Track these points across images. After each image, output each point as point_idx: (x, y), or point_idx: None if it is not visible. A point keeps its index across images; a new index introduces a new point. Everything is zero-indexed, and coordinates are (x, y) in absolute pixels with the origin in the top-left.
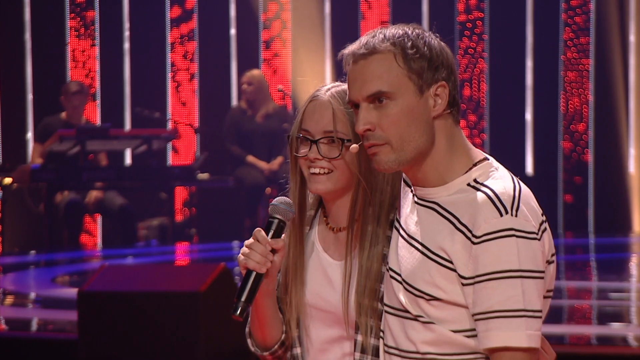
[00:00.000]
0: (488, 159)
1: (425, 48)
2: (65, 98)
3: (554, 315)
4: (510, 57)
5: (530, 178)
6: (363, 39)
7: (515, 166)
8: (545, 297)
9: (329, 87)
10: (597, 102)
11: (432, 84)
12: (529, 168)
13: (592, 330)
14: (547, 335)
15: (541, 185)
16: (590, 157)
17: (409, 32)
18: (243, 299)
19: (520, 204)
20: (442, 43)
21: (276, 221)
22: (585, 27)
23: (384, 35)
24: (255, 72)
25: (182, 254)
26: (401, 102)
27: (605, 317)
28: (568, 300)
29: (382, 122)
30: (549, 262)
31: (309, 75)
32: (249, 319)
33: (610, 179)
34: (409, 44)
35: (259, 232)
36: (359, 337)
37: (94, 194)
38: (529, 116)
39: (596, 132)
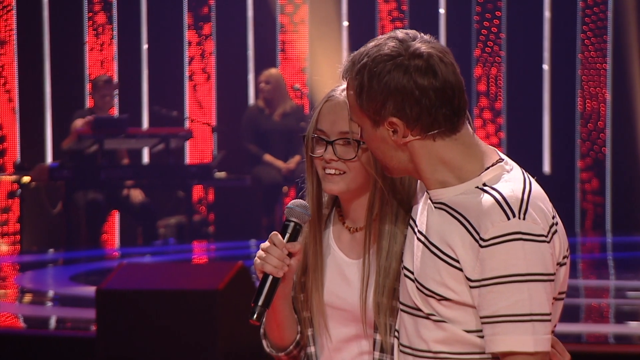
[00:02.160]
0: (502, 160)
1: (372, 82)
2: (94, 91)
3: (571, 314)
4: (527, 56)
5: (547, 177)
6: (348, 60)
7: (532, 165)
8: (557, 299)
9: (344, 87)
10: (615, 101)
11: (382, 120)
12: (546, 167)
13: (610, 329)
14: (565, 334)
15: (558, 184)
16: (607, 156)
17: (365, 59)
18: (260, 303)
19: (529, 207)
20: (412, 64)
21: (292, 224)
22: (603, 26)
23: (352, 63)
24: (272, 70)
25: (199, 252)
26: (364, 132)
27: (622, 316)
28: (585, 299)
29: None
30: (560, 265)
31: (325, 74)
32: (264, 320)
33: (627, 177)
34: (358, 79)
35: (276, 235)
36: (378, 337)
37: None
38: (546, 115)
39: (613, 131)
